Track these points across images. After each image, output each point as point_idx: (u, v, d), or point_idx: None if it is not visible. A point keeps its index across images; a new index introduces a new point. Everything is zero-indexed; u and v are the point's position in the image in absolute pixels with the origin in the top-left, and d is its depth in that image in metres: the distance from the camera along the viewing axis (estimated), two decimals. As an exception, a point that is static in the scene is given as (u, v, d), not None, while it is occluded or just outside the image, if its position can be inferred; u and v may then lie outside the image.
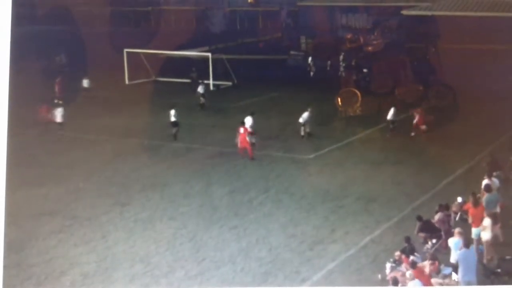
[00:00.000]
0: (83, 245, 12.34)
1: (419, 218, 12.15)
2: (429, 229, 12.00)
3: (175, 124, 20.30)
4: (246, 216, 13.70)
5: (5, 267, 9.33)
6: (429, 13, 29.14)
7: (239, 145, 18.17)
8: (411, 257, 10.54)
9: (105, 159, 17.98)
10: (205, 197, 14.98)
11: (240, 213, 13.88)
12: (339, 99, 23.14)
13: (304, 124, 20.04)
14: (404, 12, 31.34)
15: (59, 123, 20.92)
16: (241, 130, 18.15)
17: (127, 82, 29.73)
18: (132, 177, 16.44)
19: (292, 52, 35.17)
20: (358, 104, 22.92)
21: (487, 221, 11.29)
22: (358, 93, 23.35)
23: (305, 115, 20.01)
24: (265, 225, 13.17)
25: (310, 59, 31.65)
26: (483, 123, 20.48)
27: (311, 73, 31.11)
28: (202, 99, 24.87)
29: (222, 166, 17.34)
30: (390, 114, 20.25)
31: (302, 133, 20.10)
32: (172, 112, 20.20)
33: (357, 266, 11.25)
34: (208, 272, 11.16)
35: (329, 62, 31.01)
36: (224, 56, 30.49)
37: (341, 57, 30.63)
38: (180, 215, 13.82)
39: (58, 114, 20.96)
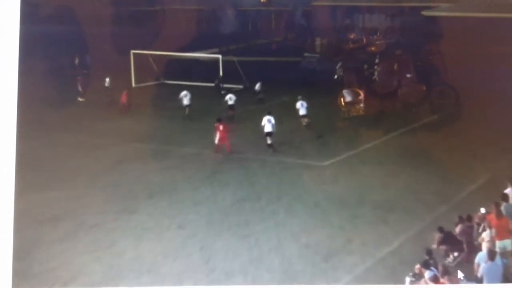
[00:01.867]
0: (89, 253, 12.39)
1: (441, 230, 12.06)
2: (451, 241, 11.91)
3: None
4: (258, 225, 13.69)
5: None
6: (450, 14, 29.06)
7: (217, 142, 18.78)
8: (431, 271, 10.45)
9: (112, 164, 18.06)
10: (215, 204, 15.00)
11: (252, 221, 13.87)
12: (342, 99, 23.49)
13: (304, 116, 21.48)
14: (424, 12, 31.31)
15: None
16: (221, 127, 18.84)
17: (133, 84, 29.85)
18: (140, 183, 16.50)
19: (306, 54, 35.15)
20: (362, 104, 23.23)
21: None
22: (361, 93, 23.69)
23: (299, 104, 21.68)
24: (277, 235, 13.15)
25: (339, 65, 30.84)
26: (500, 127, 20.30)
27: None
28: (230, 112, 23.86)
29: (232, 172, 17.36)
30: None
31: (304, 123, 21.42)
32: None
33: (374, 279, 11.19)
34: (218, 283, 11.16)
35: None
36: (235, 58, 30.54)
37: (376, 60, 30.21)
38: (189, 223, 13.83)
39: None
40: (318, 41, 36.83)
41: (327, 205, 14.80)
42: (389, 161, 18.14)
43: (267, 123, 19.21)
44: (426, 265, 10.70)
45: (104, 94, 26.52)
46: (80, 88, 27.04)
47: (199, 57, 32.19)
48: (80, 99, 26.51)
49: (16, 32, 4.37)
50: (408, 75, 26.83)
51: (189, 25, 43.10)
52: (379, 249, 12.37)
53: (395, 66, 27.08)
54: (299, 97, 22.05)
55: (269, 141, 19.20)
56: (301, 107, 21.76)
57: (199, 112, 23.77)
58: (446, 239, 11.91)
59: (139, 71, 30.23)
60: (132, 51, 30.41)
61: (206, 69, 29.67)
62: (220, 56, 29.96)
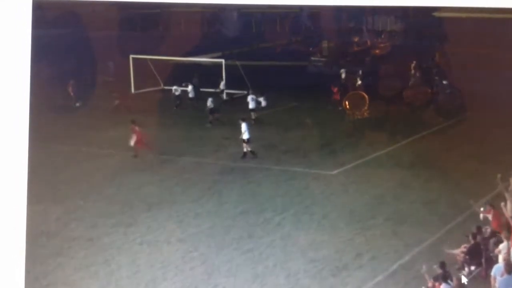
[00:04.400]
0: (84, 269, 12.40)
1: (474, 236, 11.98)
2: (475, 252, 11.81)
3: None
4: (262, 238, 13.67)
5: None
6: (462, 15, 29.09)
7: (135, 144, 19.47)
8: (448, 285, 10.41)
9: (107, 175, 18.07)
10: (217, 217, 14.98)
11: (255, 235, 13.86)
12: (346, 103, 23.77)
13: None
14: (436, 14, 31.36)
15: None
16: (136, 129, 19.72)
17: (133, 91, 29.89)
18: (137, 194, 16.51)
19: (313, 58, 35.20)
20: (366, 107, 23.54)
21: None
22: (366, 96, 23.99)
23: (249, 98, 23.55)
24: (282, 249, 13.13)
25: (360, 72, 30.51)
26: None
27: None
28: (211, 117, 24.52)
29: (235, 183, 17.35)
30: None
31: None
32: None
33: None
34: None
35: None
36: (238, 63, 30.57)
37: (412, 65, 30.02)
38: (189, 237, 13.83)
39: None
40: (325, 44, 36.88)
41: (336, 217, 14.78)
42: (402, 170, 18.09)
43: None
44: (442, 278, 10.64)
45: (110, 98, 26.46)
46: (71, 94, 27.00)
47: (201, 61, 32.22)
48: (77, 104, 26.53)
49: (28, 38, 4.41)
50: (413, 78, 27.11)
51: (191, 28, 43.20)
52: (391, 263, 12.33)
53: (400, 69, 27.32)
54: (250, 91, 24.22)
55: (246, 148, 19.53)
56: (251, 101, 23.69)
57: (200, 119, 23.81)
58: (473, 249, 11.84)
59: (138, 77, 30.26)
60: (131, 56, 30.39)
61: (209, 74, 29.69)
62: (223, 61, 29.98)
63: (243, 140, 19.60)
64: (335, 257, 12.67)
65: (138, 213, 15.17)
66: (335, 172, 18.15)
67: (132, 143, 19.33)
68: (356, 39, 36.04)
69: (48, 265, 12.52)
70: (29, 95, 7.67)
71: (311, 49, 37.63)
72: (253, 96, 23.92)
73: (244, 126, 19.58)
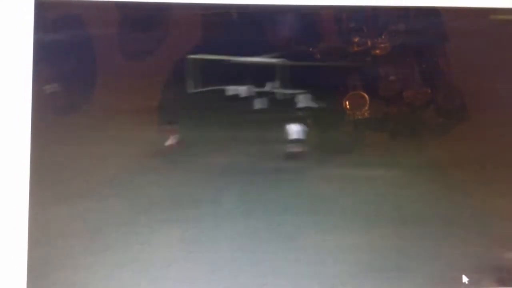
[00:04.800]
0: (106, 273, 12.35)
1: None
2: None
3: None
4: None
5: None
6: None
7: (170, 145, 19.10)
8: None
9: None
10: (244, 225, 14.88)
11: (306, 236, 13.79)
12: (347, 103, 23.88)
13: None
14: (494, 16, 31.34)
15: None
16: (173, 129, 19.60)
17: (188, 91, 29.91)
18: (158, 193, 16.55)
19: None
20: (366, 107, 23.66)
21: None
22: (366, 96, 24.11)
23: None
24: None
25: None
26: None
27: None
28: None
29: (285, 183, 17.03)
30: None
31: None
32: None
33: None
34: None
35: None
36: (289, 63, 30.67)
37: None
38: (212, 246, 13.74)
39: None
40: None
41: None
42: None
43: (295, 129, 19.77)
44: None
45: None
46: None
47: (255, 62, 32.44)
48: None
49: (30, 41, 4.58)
50: (413, 78, 27.25)
51: (245, 29, 43.22)
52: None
53: (400, 69, 27.54)
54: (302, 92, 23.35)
55: (294, 149, 19.49)
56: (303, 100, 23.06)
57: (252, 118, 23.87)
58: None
59: (193, 77, 30.33)
60: (188, 56, 30.40)
61: (261, 75, 29.92)
62: (275, 61, 30.07)
63: (293, 140, 19.43)
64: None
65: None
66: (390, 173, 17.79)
67: (168, 143, 19.25)
68: (356, 39, 36.42)
69: (68, 269, 12.59)
70: (30, 97, 7.72)
71: (310, 49, 37.79)
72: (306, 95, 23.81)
73: (294, 127, 19.44)
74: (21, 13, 1.89)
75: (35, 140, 2.01)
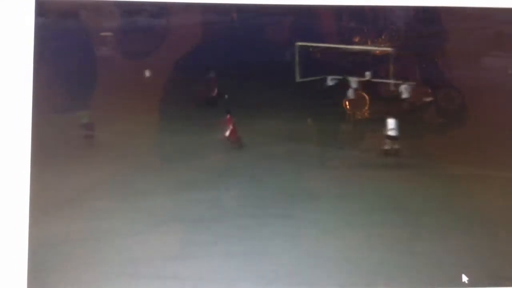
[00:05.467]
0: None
1: None
2: None
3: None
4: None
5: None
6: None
7: (230, 135, 18.81)
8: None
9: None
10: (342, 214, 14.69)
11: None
12: (347, 103, 23.73)
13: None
14: None
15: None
16: (232, 119, 19.12)
17: (297, 79, 29.45)
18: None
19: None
20: (366, 108, 23.46)
21: None
22: (366, 96, 23.92)
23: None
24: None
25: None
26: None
27: None
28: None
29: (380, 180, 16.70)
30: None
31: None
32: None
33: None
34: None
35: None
36: (408, 52, 30.04)
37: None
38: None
39: None
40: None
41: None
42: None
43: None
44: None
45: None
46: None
47: (369, 50, 31.90)
48: None
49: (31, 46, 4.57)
50: (413, 78, 27.12)
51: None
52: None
53: (401, 69, 27.41)
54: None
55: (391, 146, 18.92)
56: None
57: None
58: None
59: (302, 65, 29.92)
60: (297, 43, 29.87)
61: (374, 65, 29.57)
62: (390, 49, 29.38)
63: (389, 137, 18.77)
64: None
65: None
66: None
67: (227, 133, 18.52)
68: (356, 39, 36.35)
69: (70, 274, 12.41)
70: (30, 98, 7.74)
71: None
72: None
73: (392, 122, 18.81)
74: (22, 12, 1.87)
75: (35, 139, 2.00)
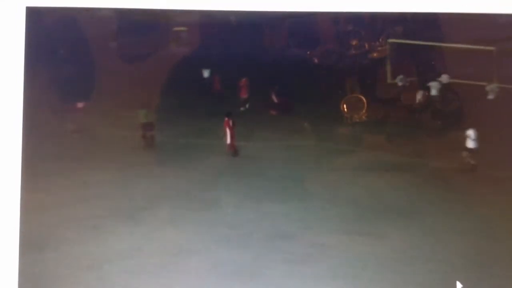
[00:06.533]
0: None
1: None
2: None
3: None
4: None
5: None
6: None
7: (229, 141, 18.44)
8: None
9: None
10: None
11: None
12: (344, 106, 23.54)
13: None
14: None
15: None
16: (231, 123, 18.58)
17: (389, 80, 29.04)
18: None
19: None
20: (364, 111, 23.23)
21: None
22: (364, 99, 23.70)
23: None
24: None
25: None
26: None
27: None
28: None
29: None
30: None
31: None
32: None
33: None
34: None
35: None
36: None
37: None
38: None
39: None
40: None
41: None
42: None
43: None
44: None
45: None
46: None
47: (471, 49, 31.37)
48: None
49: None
50: (411, 80, 26.93)
51: None
52: None
53: (398, 72, 27.23)
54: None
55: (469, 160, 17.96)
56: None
57: None
58: None
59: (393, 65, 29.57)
60: (389, 40, 29.44)
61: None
62: (493, 48, 28.46)
63: (467, 149, 17.46)
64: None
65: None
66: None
67: (228, 140, 17.85)
68: (354, 43, 36.29)
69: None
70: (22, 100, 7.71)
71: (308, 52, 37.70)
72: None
73: (472, 133, 17.68)
74: (13, 20, 1.88)
75: (27, 137, 2.01)
